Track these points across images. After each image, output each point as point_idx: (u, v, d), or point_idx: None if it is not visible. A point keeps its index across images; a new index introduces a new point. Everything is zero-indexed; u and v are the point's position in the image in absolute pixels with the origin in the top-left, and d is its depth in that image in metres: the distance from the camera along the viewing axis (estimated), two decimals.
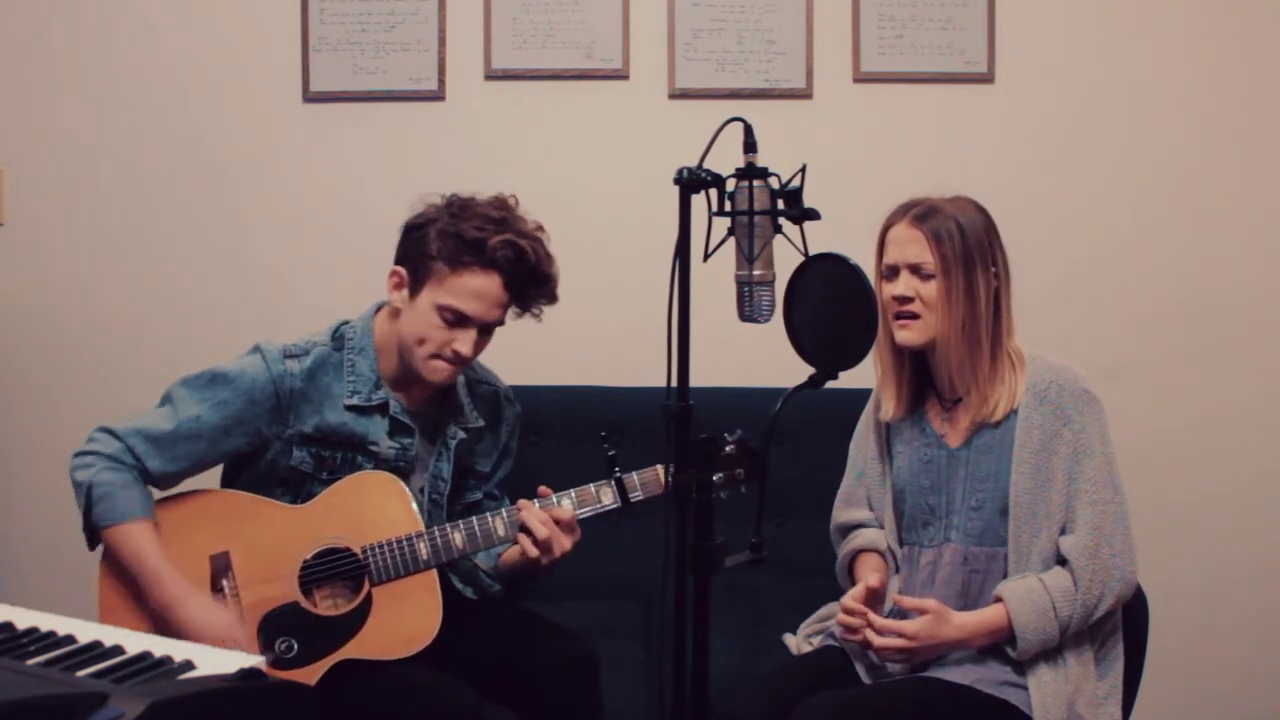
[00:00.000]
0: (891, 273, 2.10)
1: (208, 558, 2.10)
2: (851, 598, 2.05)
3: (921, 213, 2.07)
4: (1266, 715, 3.06)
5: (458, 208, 2.15)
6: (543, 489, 2.18)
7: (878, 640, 2.00)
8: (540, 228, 2.19)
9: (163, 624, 2.04)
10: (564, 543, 2.13)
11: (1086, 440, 2.04)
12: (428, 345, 2.12)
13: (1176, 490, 3.03)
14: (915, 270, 2.06)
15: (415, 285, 2.13)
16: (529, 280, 2.14)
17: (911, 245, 2.06)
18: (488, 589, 2.28)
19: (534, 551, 2.11)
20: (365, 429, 2.18)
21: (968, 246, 2.04)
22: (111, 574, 2.09)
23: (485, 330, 2.16)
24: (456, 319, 2.11)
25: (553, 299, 2.20)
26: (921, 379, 2.18)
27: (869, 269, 1.64)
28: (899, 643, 1.99)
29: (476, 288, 2.10)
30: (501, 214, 2.14)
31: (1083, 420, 2.05)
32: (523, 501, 2.16)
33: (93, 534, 2.09)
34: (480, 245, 2.09)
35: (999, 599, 2.02)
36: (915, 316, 2.06)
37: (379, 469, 2.18)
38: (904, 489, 2.17)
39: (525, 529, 2.12)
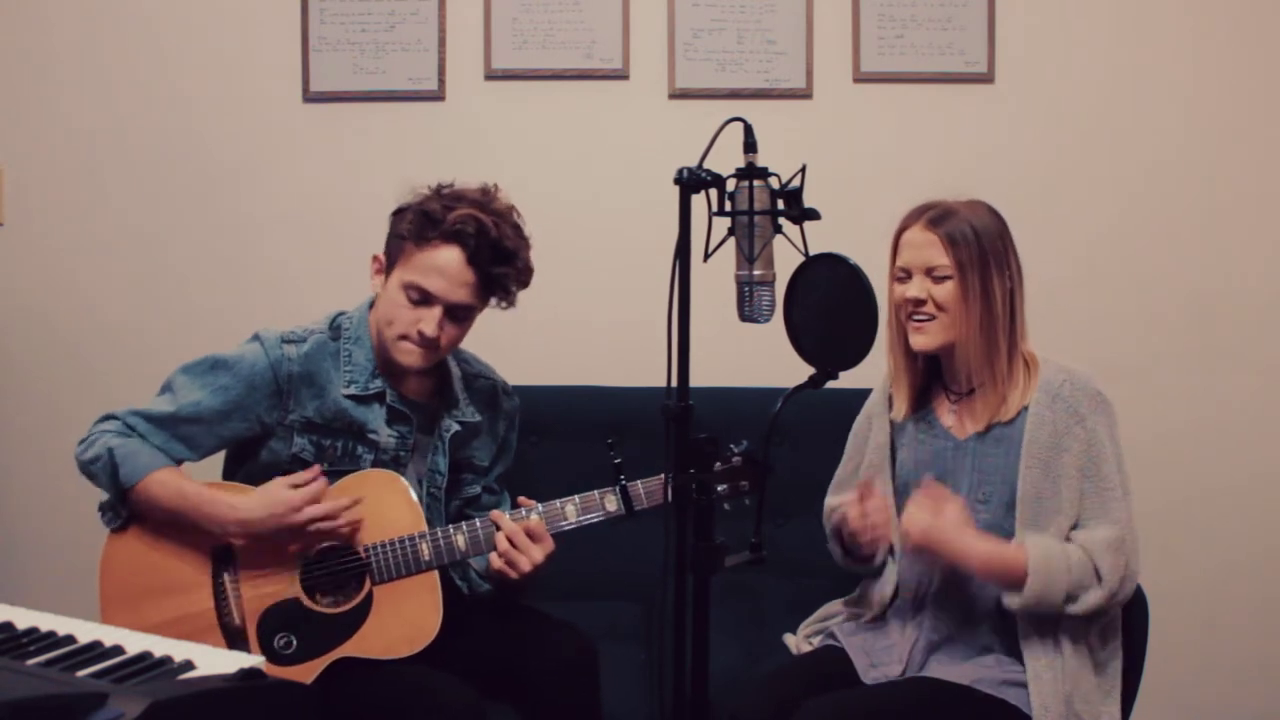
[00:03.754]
0: (905, 275, 2.10)
1: (210, 550, 2.10)
2: (858, 515, 2.10)
3: (936, 216, 2.08)
4: (1266, 714, 3.06)
5: (439, 190, 2.16)
6: (522, 499, 2.17)
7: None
8: (512, 209, 2.17)
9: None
10: (534, 554, 2.11)
11: (1100, 440, 2.05)
12: (395, 326, 2.12)
13: (1176, 489, 3.03)
14: (929, 273, 2.07)
15: (389, 268, 2.15)
16: (492, 255, 2.11)
17: (927, 248, 2.07)
18: (477, 587, 2.28)
19: (498, 563, 2.11)
20: (364, 417, 2.18)
21: (983, 249, 2.05)
22: (113, 573, 2.10)
23: (455, 315, 2.13)
24: (421, 297, 2.10)
25: (521, 279, 2.16)
26: (929, 377, 2.19)
27: (869, 269, 1.64)
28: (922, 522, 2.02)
29: (438, 262, 2.09)
30: (475, 196, 2.15)
31: (1095, 420, 2.05)
32: (495, 514, 2.15)
33: (119, 502, 2.09)
34: (441, 219, 2.09)
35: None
36: (930, 319, 2.07)
37: (379, 460, 2.19)
38: (908, 482, 2.17)
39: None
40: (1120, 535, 2.01)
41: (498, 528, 2.12)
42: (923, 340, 2.09)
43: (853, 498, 2.14)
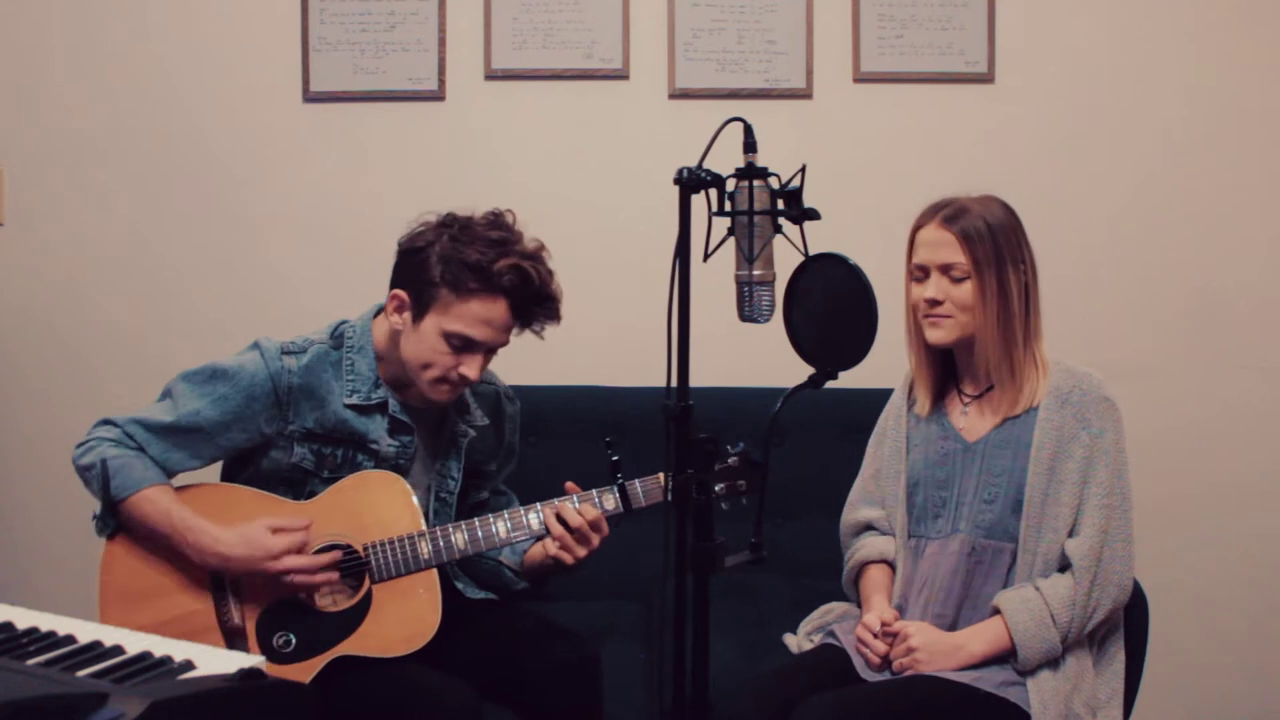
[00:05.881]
0: (922, 273, 2.11)
1: None
2: (868, 628, 2.09)
3: (951, 214, 2.09)
4: (1266, 714, 3.06)
5: (458, 229, 2.10)
6: (570, 485, 2.18)
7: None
8: (541, 246, 2.15)
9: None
10: (593, 540, 2.15)
11: (1103, 446, 2.06)
12: (433, 369, 2.11)
13: (1177, 490, 3.04)
14: (946, 271, 2.08)
15: (419, 310, 2.11)
16: (534, 301, 2.12)
17: (943, 247, 2.08)
18: (512, 585, 2.29)
19: (553, 548, 2.13)
20: (365, 427, 2.18)
21: (998, 245, 2.06)
22: (112, 572, 2.10)
23: (490, 351, 2.15)
24: (464, 345, 2.10)
25: (556, 318, 2.16)
26: (944, 376, 2.20)
27: (869, 269, 1.64)
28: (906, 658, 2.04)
29: (484, 314, 2.08)
30: (501, 234, 2.10)
31: (1101, 426, 2.07)
32: (570, 488, 2.17)
33: (109, 512, 2.08)
34: (485, 270, 2.06)
35: (996, 610, 2.04)
36: (947, 316, 2.08)
37: (380, 467, 2.19)
38: (918, 482, 2.18)
39: (561, 521, 2.13)
40: (1100, 546, 2.02)
41: (561, 519, 2.13)
42: (939, 335, 2.11)
43: (876, 623, 2.10)
